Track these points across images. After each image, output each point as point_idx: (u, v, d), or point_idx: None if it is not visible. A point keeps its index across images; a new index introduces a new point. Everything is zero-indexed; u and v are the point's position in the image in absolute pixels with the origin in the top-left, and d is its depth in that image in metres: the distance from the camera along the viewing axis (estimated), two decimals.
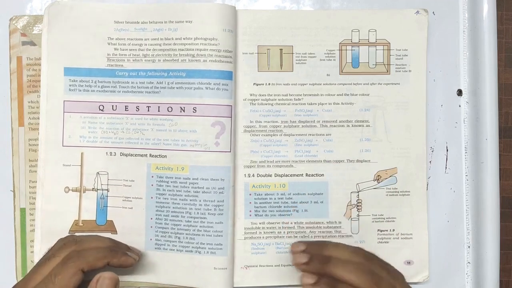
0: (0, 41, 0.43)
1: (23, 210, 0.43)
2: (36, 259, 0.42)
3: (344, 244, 0.39)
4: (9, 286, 0.42)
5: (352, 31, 0.44)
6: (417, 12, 0.44)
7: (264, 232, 0.43)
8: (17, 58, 0.43)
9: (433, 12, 0.45)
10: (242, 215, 0.43)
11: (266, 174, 0.43)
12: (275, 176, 0.43)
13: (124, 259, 0.38)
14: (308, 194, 0.43)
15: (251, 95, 0.43)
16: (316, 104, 0.43)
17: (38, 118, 0.42)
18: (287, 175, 0.43)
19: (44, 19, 0.42)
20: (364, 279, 0.36)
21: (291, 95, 0.43)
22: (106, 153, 0.42)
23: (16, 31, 0.43)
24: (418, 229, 0.44)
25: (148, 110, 0.42)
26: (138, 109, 0.42)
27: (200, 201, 0.41)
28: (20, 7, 0.43)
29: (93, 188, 0.42)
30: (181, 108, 0.41)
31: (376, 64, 0.44)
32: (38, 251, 0.42)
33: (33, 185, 0.42)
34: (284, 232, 0.43)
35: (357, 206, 0.43)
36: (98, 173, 0.42)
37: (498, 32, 0.44)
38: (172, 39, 0.41)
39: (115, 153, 0.42)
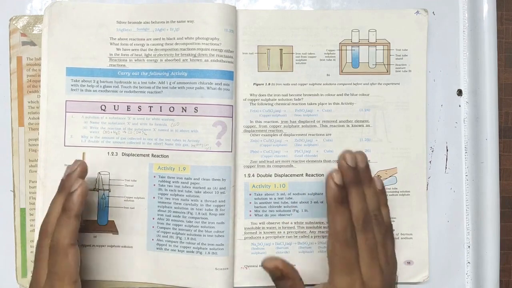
0: (0, 41, 0.43)
1: (23, 210, 0.43)
2: None
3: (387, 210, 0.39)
4: (9, 286, 0.42)
5: (352, 31, 0.44)
6: (417, 12, 0.44)
7: (264, 232, 0.43)
8: (17, 58, 0.43)
9: (433, 12, 0.45)
10: (242, 215, 0.43)
11: (266, 174, 0.43)
12: (275, 176, 0.43)
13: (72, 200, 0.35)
14: (308, 194, 0.43)
15: (251, 95, 0.43)
16: (316, 104, 0.43)
17: (38, 118, 0.42)
18: (287, 175, 0.43)
19: (44, 19, 0.42)
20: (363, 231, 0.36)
21: (291, 95, 0.43)
22: (108, 153, 0.42)
23: (16, 31, 0.43)
24: (418, 229, 0.44)
25: (150, 110, 0.42)
26: (140, 109, 0.42)
27: (201, 201, 0.41)
28: (20, 7, 0.43)
29: (94, 188, 0.42)
30: (182, 108, 0.41)
31: (376, 64, 0.44)
32: None
33: (33, 185, 0.42)
34: (284, 232, 0.43)
35: None
36: (99, 173, 0.42)
37: (498, 32, 0.44)
38: (174, 39, 0.41)
39: (116, 153, 0.42)
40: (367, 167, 0.37)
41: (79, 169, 0.37)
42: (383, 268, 0.36)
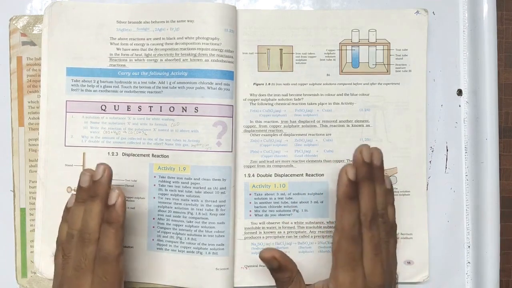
0: (0, 41, 0.43)
1: (23, 210, 0.43)
2: (36, 259, 0.42)
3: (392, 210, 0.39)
4: (9, 286, 0.42)
5: (352, 31, 0.44)
6: (417, 12, 0.44)
7: (264, 232, 0.43)
8: (17, 58, 0.43)
9: (433, 12, 0.45)
10: (242, 215, 0.43)
11: (266, 174, 0.43)
12: (275, 176, 0.43)
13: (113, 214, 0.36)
14: (308, 194, 0.43)
15: (251, 95, 0.43)
16: (316, 104, 0.43)
17: (38, 118, 0.42)
18: (287, 175, 0.43)
19: (44, 19, 0.42)
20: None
21: (291, 95, 0.43)
22: (108, 153, 0.42)
23: (16, 31, 0.43)
24: (418, 229, 0.44)
25: (150, 110, 0.42)
26: (140, 109, 0.42)
27: (201, 201, 0.41)
28: (20, 7, 0.43)
29: None
30: (183, 108, 0.41)
31: (376, 64, 0.44)
32: (38, 251, 0.42)
33: (33, 185, 0.42)
34: (284, 232, 0.43)
35: None
36: None
37: (498, 32, 0.44)
38: (174, 38, 0.41)
39: (117, 153, 0.42)
40: (381, 165, 0.37)
41: (106, 174, 0.36)
42: (384, 266, 0.36)
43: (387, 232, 0.37)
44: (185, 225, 0.41)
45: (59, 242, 0.38)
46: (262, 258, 0.37)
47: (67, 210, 0.38)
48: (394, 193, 0.44)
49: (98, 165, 0.36)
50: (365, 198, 0.36)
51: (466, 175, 0.45)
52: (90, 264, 0.36)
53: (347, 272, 0.36)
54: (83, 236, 0.36)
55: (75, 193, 0.38)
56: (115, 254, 0.35)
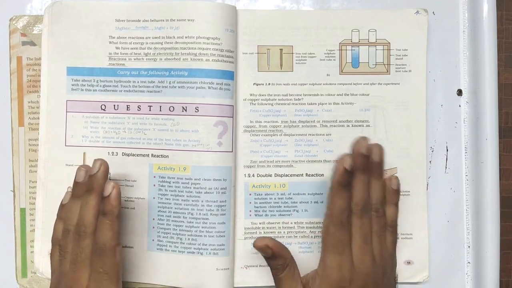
0: (0, 41, 0.43)
1: (23, 210, 0.43)
2: (36, 259, 0.42)
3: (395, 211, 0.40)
4: (9, 286, 0.42)
5: (352, 31, 0.44)
6: (417, 12, 0.44)
7: (264, 232, 0.43)
8: (17, 58, 0.43)
9: (433, 12, 0.45)
10: (242, 215, 0.43)
11: (266, 174, 0.43)
12: (275, 176, 0.43)
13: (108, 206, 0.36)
14: (308, 194, 0.43)
15: (251, 95, 0.43)
16: (316, 104, 0.43)
17: (38, 118, 0.42)
18: (287, 175, 0.43)
19: (44, 19, 0.42)
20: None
21: (291, 95, 0.43)
22: (108, 153, 0.42)
23: (16, 31, 0.43)
24: (418, 229, 0.44)
25: (150, 110, 0.42)
26: (140, 108, 0.42)
27: (202, 201, 0.41)
28: (20, 7, 0.43)
29: None
30: (183, 107, 0.41)
31: (376, 64, 0.44)
32: (38, 251, 0.42)
33: (33, 185, 0.42)
34: (284, 232, 0.43)
35: None
36: None
37: (498, 32, 0.44)
38: (174, 37, 0.41)
39: (117, 153, 0.42)
40: (380, 161, 0.38)
41: (103, 168, 0.37)
42: (376, 258, 0.37)
43: (380, 226, 0.38)
44: (186, 226, 0.41)
45: (54, 240, 0.38)
46: (255, 246, 0.38)
47: (62, 207, 0.39)
48: None
49: (95, 160, 0.37)
50: (358, 188, 0.37)
51: (466, 175, 0.45)
52: (87, 257, 0.36)
53: (335, 255, 0.37)
54: (79, 230, 0.36)
55: (70, 190, 0.38)
56: (111, 245, 0.35)
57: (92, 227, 0.36)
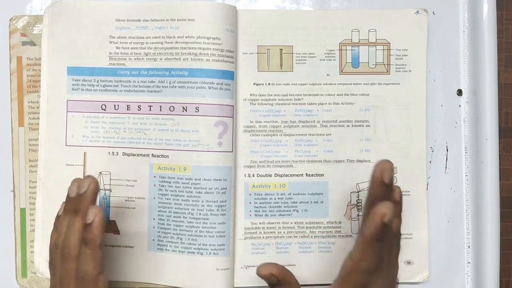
0: (0, 41, 0.43)
1: (23, 210, 0.43)
2: (36, 259, 0.42)
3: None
4: (9, 286, 0.42)
5: (352, 31, 0.44)
6: (417, 12, 0.44)
7: (264, 232, 0.43)
8: (17, 58, 0.43)
9: (433, 12, 0.45)
10: (242, 215, 0.43)
11: (266, 174, 0.43)
12: (275, 176, 0.43)
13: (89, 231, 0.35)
14: (308, 194, 0.43)
15: (251, 95, 0.43)
16: (316, 104, 0.43)
17: (38, 118, 0.42)
18: (287, 175, 0.43)
19: (44, 19, 0.42)
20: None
21: (291, 95, 0.43)
22: (109, 153, 0.42)
23: (16, 31, 0.43)
24: (418, 229, 0.44)
25: (150, 110, 0.42)
26: (140, 108, 0.42)
27: (202, 201, 0.41)
28: (20, 7, 0.43)
29: None
30: (183, 107, 0.41)
31: (376, 64, 0.44)
32: (38, 251, 0.42)
33: (33, 185, 0.42)
34: (284, 232, 0.43)
35: (357, 206, 0.43)
36: (100, 173, 0.42)
37: (498, 32, 0.44)
38: (174, 37, 0.41)
39: (117, 152, 0.42)
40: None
41: (91, 187, 0.35)
42: (382, 267, 0.36)
43: (390, 242, 0.36)
44: (186, 226, 0.41)
45: (49, 250, 0.37)
46: (260, 274, 0.35)
47: (57, 218, 0.37)
48: None
49: (85, 177, 0.35)
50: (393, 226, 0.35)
51: (466, 175, 0.45)
52: (72, 280, 0.34)
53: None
54: (64, 251, 0.35)
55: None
56: (92, 275, 0.34)
57: (76, 251, 0.34)
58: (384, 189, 0.34)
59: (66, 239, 0.35)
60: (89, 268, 0.34)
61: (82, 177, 0.42)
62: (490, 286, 0.44)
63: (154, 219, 0.42)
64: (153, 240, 0.42)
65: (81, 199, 0.35)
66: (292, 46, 0.43)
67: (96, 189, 0.35)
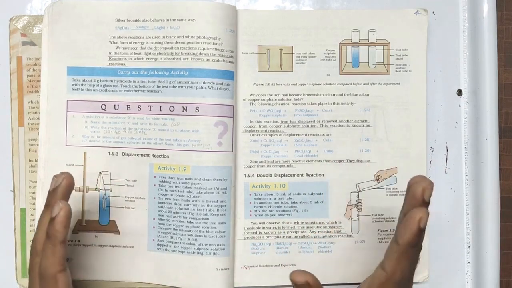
0: (0, 41, 0.43)
1: (23, 210, 0.43)
2: None
3: None
4: (9, 286, 0.42)
5: (352, 31, 0.44)
6: (417, 12, 0.44)
7: (264, 232, 0.43)
8: (17, 58, 0.43)
9: (433, 12, 0.45)
10: (242, 215, 0.43)
11: (266, 174, 0.43)
12: (275, 176, 0.43)
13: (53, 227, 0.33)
14: (308, 194, 0.43)
15: (251, 95, 0.43)
16: (316, 104, 0.43)
17: (38, 118, 0.42)
18: (287, 175, 0.43)
19: (44, 19, 0.42)
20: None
21: (291, 95, 0.43)
22: (109, 153, 0.42)
23: (16, 31, 0.43)
24: None
25: (150, 110, 0.42)
26: (140, 108, 0.42)
27: (202, 201, 0.41)
28: (20, 7, 0.43)
29: (95, 188, 0.42)
30: (183, 107, 0.41)
31: (376, 64, 0.44)
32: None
33: (33, 185, 0.42)
34: (284, 232, 0.43)
35: (357, 206, 0.43)
36: (100, 173, 0.42)
37: (498, 32, 0.44)
38: (174, 37, 0.41)
39: (117, 152, 0.42)
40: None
41: (64, 184, 0.34)
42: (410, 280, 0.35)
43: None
44: (186, 226, 0.41)
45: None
46: (294, 281, 0.33)
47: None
48: (395, 193, 0.44)
49: (61, 173, 0.34)
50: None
51: (466, 175, 0.45)
52: (37, 276, 0.33)
53: None
54: (32, 246, 0.34)
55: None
56: (52, 272, 0.32)
57: (41, 245, 0.33)
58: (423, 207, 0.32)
59: (36, 232, 0.34)
60: (48, 264, 0.32)
61: (82, 177, 0.42)
62: (490, 286, 0.44)
63: (154, 219, 0.42)
64: (153, 240, 0.42)
65: (52, 194, 0.34)
66: (292, 46, 0.43)
67: (69, 185, 0.34)
